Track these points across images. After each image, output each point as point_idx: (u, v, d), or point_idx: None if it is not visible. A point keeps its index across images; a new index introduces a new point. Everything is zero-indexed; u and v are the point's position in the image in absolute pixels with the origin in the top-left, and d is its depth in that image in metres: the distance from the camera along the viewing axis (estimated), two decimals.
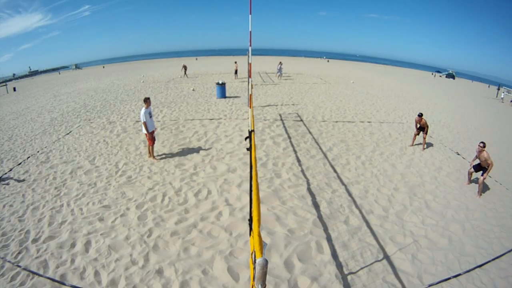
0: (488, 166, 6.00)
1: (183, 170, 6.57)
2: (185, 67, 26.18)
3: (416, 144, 8.78)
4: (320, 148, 7.98)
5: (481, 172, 6.18)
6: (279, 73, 23.56)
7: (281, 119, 10.76)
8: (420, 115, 8.66)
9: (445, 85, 33.84)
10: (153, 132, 7.10)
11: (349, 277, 3.62)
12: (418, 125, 8.70)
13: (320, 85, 20.76)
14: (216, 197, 5.41)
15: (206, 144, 8.19)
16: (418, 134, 8.75)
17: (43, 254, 4.00)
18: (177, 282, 3.49)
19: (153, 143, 7.17)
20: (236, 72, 23.36)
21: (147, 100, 7.01)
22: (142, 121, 6.81)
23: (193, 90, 17.67)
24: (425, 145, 8.73)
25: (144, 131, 6.87)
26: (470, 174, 6.41)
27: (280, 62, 24.74)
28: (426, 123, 8.64)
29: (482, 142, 6.11)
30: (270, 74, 26.63)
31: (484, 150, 6.04)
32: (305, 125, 10.17)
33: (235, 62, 24.32)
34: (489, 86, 34.16)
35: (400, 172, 6.73)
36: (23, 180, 6.26)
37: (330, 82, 23.00)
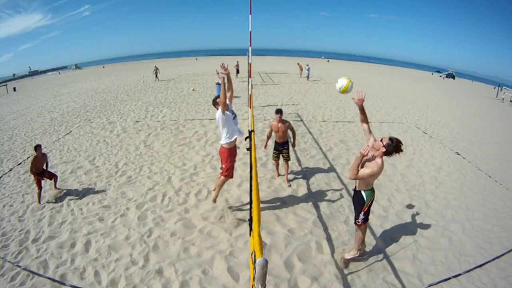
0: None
1: (183, 170, 6.57)
2: (156, 69, 24.20)
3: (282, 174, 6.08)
4: (320, 148, 7.97)
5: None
6: (307, 75, 22.67)
7: None
8: (279, 111, 5.37)
9: (445, 85, 33.83)
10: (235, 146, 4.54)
11: (349, 277, 3.62)
12: (273, 133, 5.62)
13: (320, 85, 20.76)
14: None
15: (206, 144, 8.19)
16: (278, 157, 5.81)
17: (43, 254, 4.00)
18: (177, 282, 3.49)
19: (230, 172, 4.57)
20: (237, 71, 23.51)
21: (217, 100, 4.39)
22: (222, 126, 4.32)
23: (193, 90, 17.67)
24: (288, 181, 5.79)
25: (226, 141, 4.37)
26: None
27: (307, 64, 23.76)
28: (290, 126, 5.52)
29: (390, 138, 3.14)
30: (270, 74, 26.62)
31: (381, 154, 3.17)
32: (305, 125, 10.17)
33: (237, 62, 24.43)
34: (494, 87, 33.53)
35: (400, 172, 6.73)
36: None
37: (330, 82, 22.98)
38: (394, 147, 3.08)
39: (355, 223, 3.59)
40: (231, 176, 4.66)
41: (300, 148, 7.91)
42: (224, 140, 4.40)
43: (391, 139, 3.11)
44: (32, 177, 5.51)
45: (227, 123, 4.29)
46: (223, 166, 4.52)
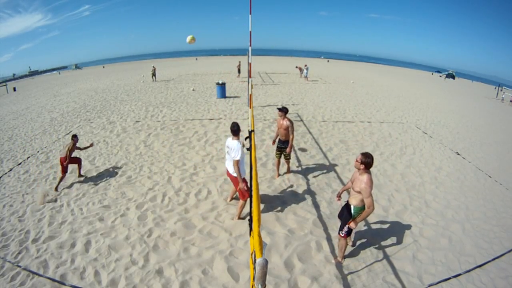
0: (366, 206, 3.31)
1: (183, 170, 6.57)
2: (154, 69, 23.72)
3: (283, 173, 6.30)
4: (320, 148, 7.97)
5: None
6: (306, 75, 22.82)
7: None
8: (283, 109, 5.47)
9: (445, 85, 33.83)
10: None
11: (349, 277, 3.62)
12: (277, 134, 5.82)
13: (320, 85, 20.76)
14: (216, 197, 5.41)
15: (206, 144, 8.19)
16: (280, 155, 5.88)
17: (43, 254, 4.00)
18: (177, 282, 3.50)
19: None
20: (239, 71, 23.77)
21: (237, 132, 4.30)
22: (237, 159, 4.18)
23: (193, 90, 17.68)
24: (289, 170, 6.24)
25: (237, 172, 4.25)
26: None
27: (305, 65, 23.88)
28: (289, 127, 5.45)
29: (362, 154, 3.37)
30: (270, 74, 26.63)
31: (364, 170, 3.37)
32: (305, 125, 10.17)
33: (239, 62, 24.64)
34: (494, 88, 33.24)
35: (400, 172, 6.73)
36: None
37: (330, 82, 22.99)
38: (370, 160, 3.33)
39: (339, 233, 3.69)
40: (249, 195, 4.64)
41: (300, 148, 7.91)
42: (233, 170, 4.34)
43: (363, 154, 3.37)
44: (60, 166, 5.95)
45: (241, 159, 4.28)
46: (239, 189, 4.38)
